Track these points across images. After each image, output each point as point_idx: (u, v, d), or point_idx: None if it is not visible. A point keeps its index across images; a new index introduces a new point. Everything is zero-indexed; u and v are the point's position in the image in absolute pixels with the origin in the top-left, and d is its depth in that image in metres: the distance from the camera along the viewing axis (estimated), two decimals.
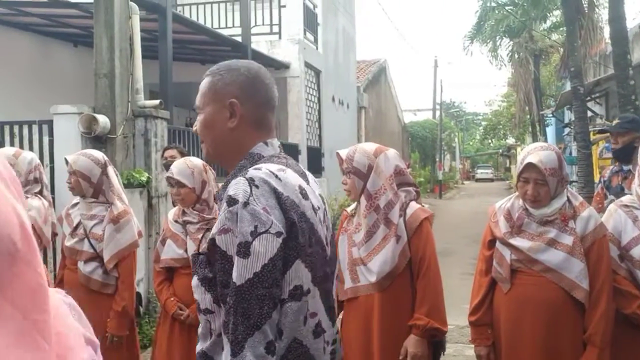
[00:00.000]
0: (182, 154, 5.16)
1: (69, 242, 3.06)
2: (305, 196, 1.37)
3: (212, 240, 1.32)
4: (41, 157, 5.40)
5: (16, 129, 5.50)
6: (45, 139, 5.38)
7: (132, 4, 5.70)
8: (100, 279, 2.99)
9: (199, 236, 2.97)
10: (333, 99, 13.40)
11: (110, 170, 3.13)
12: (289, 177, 1.36)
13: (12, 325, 0.60)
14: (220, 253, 1.30)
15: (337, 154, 2.50)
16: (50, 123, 5.34)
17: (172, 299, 2.98)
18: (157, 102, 5.86)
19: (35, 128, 5.44)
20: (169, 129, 6.12)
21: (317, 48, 12.28)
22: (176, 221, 3.06)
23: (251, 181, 1.30)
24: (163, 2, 6.50)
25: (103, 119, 5.22)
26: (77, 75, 8.39)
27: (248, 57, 8.99)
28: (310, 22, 11.77)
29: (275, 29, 10.76)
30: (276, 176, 1.33)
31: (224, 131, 1.43)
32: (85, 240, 3.02)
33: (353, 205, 2.52)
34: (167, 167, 4.24)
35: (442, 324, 2.31)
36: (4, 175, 0.62)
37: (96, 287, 2.97)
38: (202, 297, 1.38)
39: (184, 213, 3.04)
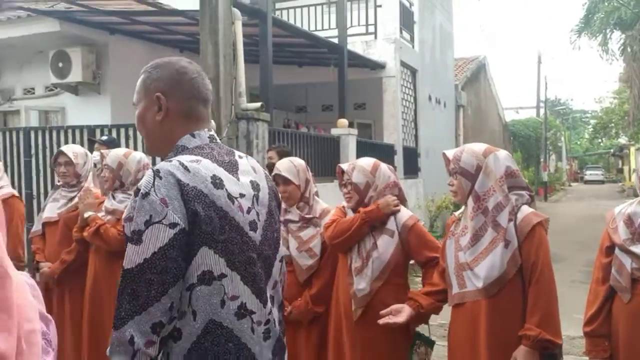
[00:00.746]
0: (281, 155, 5.29)
1: None
2: (218, 186, 1.43)
3: (123, 226, 1.42)
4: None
5: (130, 130, 5.90)
6: None
7: (235, 10, 5.91)
8: None
9: (300, 234, 3.02)
10: (430, 98, 13.15)
11: None
12: (201, 168, 1.42)
13: None
14: (127, 238, 1.40)
15: (444, 154, 2.45)
16: None
17: None
18: (258, 104, 6.04)
19: None
20: (269, 131, 6.29)
21: (413, 47, 12.10)
22: None
23: (157, 173, 1.39)
24: (264, 7, 6.68)
25: (211, 122, 5.46)
26: None
27: (344, 58, 9.04)
28: (407, 20, 11.62)
29: (371, 29, 10.72)
30: (185, 167, 1.40)
31: (154, 124, 1.53)
32: None
33: (461, 209, 2.45)
34: (268, 167, 4.36)
35: (555, 335, 2.17)
36: None
37: None
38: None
39: (285, 212, 3.11)
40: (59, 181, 3.70)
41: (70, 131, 6.23)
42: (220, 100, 5.67)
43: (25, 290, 0.95)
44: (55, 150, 6.23)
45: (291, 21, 10.13)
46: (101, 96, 8.41)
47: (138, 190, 1.41)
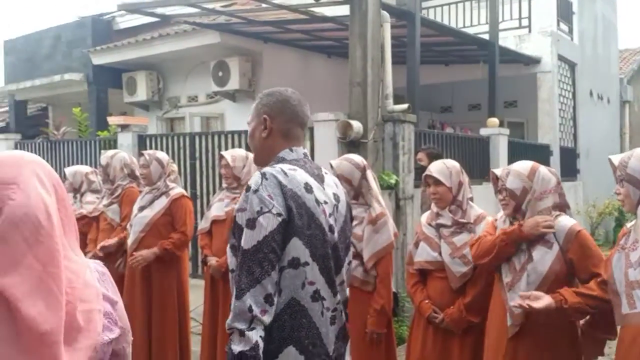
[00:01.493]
0: (430, 156, 5.18)
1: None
2: (308, 191, 1.74)
3: (234, 216, 1.75)
4: None
5: None
6: (307, 144, 5.92)
7: (384, 12, 5.92)
8: (361, 277, 3.14)
9: (454, 239, 2.92)
10: (591, 94, 12.08)
11: (369, 173, 3.27)
12: (297, 175, 1.75)
13: (33, 273, 0.99)
14: (238, 226, 1.72)
15: (610, 160, 2.21)
16: (311, 129, 5.86)
17: (426, 301, 2.98)
18: (405, 106, 5.99)
19: None
20: (415, 132, 6.21)
21: (572, 39, 11.21)
22: (429, 224, 3.06)
23: (263, 175, 1.72)
24: (412, 8, 6.61)
25: (357, 125, 5.52)
26: (331, 84, 9.07)
27: (495, 54, 8.64)
28: (564, 11, 10.79)
29: (525, 22, 10.13)
30: (285, 173, 1.73)
31: (260, 140, 1.89)
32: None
33: (633, 221, 2.19)
34: (418, 170, 4.30)
35: None
36: (43, 178, 1.09)
37: (357, 283, 3.12)
38: (230, 259, 1.80)
39: (437, 216, 3.03)
40: (224, 183, 3.96)
41: (230, 136, 6.67)
42: (367, 103, 5.71)
43: (85, 275, 1.16)
44: (216, 154, 6.74)
45: (438, 19, 9.91)
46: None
47: (249, 187, 1.72)
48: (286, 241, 1.69)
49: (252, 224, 1.66)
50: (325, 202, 1.79)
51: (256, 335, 1.60)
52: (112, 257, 4.05)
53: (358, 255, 3.14)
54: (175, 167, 4.19)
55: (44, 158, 6.61)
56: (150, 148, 7.29)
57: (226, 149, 6.58)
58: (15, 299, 0.99)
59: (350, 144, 5.60)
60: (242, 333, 1.60)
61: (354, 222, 3.17)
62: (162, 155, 4.06)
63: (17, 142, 9.59)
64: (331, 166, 3.29)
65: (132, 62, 9.65)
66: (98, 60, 9.89)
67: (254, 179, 1.72)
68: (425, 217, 3.14)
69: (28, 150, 8.98)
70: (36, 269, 1.04)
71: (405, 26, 6.80)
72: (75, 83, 10.26)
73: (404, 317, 5.05)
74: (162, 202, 3.91)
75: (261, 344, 1.61)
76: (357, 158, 3.32)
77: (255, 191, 1.69)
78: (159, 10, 7.78)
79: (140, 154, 4.05)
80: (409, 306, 5.08)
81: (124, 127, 7.46)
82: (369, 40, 5.66)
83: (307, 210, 1.72)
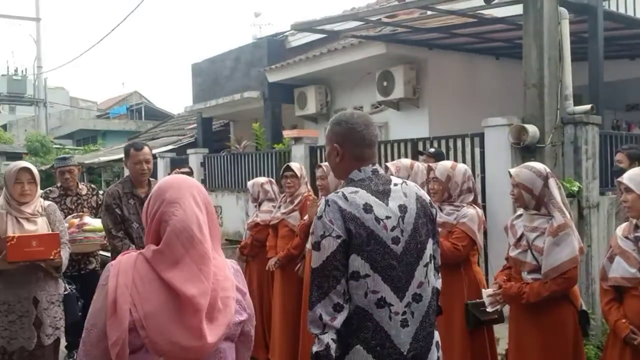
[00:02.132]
0: (632, 158, 4.72)
1: (512, 252, 3.14)
2: (367, 211, 1.94)
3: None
4: (473, 168, 5.79)
5: (451, 142, 6.05)
6: (477, 151, 5.73)
7: (562, 9, 5.54)
8: None
9: None
10: None
11: (552, 182, 3.08)
12: (357, 198, 1.95)
13: (191, 269, 1.48)
14: (312, 246, 1.99)
15: None
16: (481, 135, 5.67)
17: (623, 320, 2.74)
18: (588, 107, 5.53)
19: (467, 141, 5.87)
20: (600, 135, 5.69)
21: None
22: (626, 237, 2.80)
23: (327, 202, 1.97)
24: (593, 1, 6.10)
25: (532, 129, 5.22)
26: (500, 87, 8.70)
27: None
28: None
29: None
30: (345, 197, 1.95)
31: (334, 164, 2.14)
32: (529, 251, 3.04)
33: None
34: (616, 173, 3.95)
35: None
36: (197, 198, 1.56)
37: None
38: None
39: (636, 228, 2.76)
40: None
41: (395, 144, 6.72)
42: (544, 105, 5.36)
43: (225, 271, 1.62)
44: (381, 163, 6.84)
45: (621, 10, 8.99)
46: (419, 110, 8.88)
47: (316, 214, 1.98)
48: (347, 256, 1.92)
49: (317, 246, 1.93)
50: (388, 217, 1.97)
51: (327, 338, 1.88)
52: (293, 262, 4.34)
53: (540, 269, 2.98)
54: None
55: (227, 170, 7.34)
56: (321, 159, 7.63)
57: (391, 157, 6.65)
58: (178, 284, 1.51)
59: (524, 149, 5.31)
60: (317, 337, 1.90)
61: (535, 234, 3.02)
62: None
63: (205, 155, 10.66)
64: (510, 174, 3.16)
65: (303, 78, 10.20)
66: (273, 77, 10.63)
67: (320, 207, 1.99)
68: (621, 229, 2.88)
69: (214, 163, 9.91)
70: (191, 267, 1.53)
71: (585, 21, 6.28)
72: (253, 100, 11.14)
73: (592, 336, 4.65)
74: None
75: (333, 345, 1.88)
76: (538, 166, 3.15)
77: (320, 217, 1.95)
78: (328, 27, 8.13)
79: (318, 166, 4.27)
80: (594, 324, 4.66)
81: (297, 140, 7.91)
82: (545, 39, 5.33)
83: (367, 229, 1.93)
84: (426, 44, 8.52)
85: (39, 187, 3.63)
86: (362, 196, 1.97)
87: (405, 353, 1.94)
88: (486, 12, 6.85)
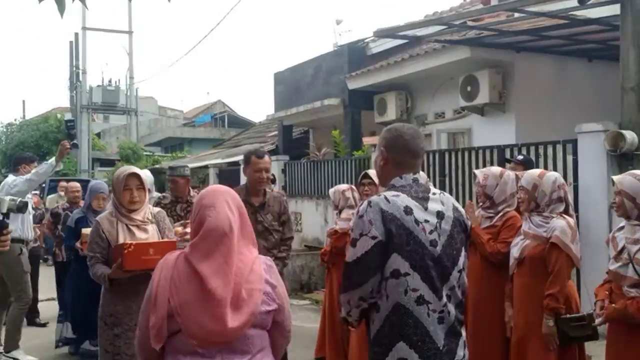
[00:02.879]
0: None
1: (612, 266, 2.94)
2: (408, 213, 2.07)
3: None
4: (565, 176, 5.50)
5: (541, 149, 5.79)
6: (569, 158, 5.45)
7: None
8: None
9: None
10: None
11: None
12: (397, 201, 2.09)
13: (218, 262, 1.81)
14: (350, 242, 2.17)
15: None
16: (574, 142, 5.38)
17: None
18: None
19: (559, 147, 5.59)
20: None
21: None
22: None
23: (369, 202, 2.10)
24: None
25: (630, 135, 4.91)
26: (592, 91, 8.23)
27: None
28: None
29: None
30: (387, 199, 2.08)
31: (379, 167, 2.28)
32: (630, 265, 2.84)
33: None
34: None
35: None
36: (230, 203, 1.92)
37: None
38: None
39: None
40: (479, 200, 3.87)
41: (480, 151, 6.52)
42: None
43: (252, 265, 1.88)
44: (466, 170, 6.66)
45: None
46: (505, 115, 8.56)
47: (358, 212, 2.13)
48: (387, 256, 2.06)
49: (354, 243, 2.11)
50: (426, 221, 2.10)
51: (350, 317, 2.17)
52: None
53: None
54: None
55: (307, 177, 7.46)
56: None
57: (476, 165, 6.46)
58: (206, 276, 1.80)
59: (621, 156, 5.01)
60: (344, 318, 2.22)
61: (637, 247, 2.82)
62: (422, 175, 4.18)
63: (285, 162, 10.84)
64: (613, 182, 2.97)
65: (383, 84, 10.13)
66: (353, 84, 10.64)
67: (362, 206, 2.13)
68: None
69: (295, 170, 10.06)
70: (219, 260, 1.83)
71: None
72: (333, 107, 11.20)
73: None
74: None
75: (352, 319, 2.17)
76: None
77: (360, 217, 2.10)
78: (411, 33, 8.03)
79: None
80: None
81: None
82: None
83: (406, 230, 2.06)
84: (513, 47, 8.21)
85: (147, 193, 3.46)
86: (403, 199, 2.11)
87: (441, 348, 2.08)
88: (579, 12, 6.51)
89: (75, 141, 4.98)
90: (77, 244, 4.94)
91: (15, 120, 33.29)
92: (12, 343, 5.14)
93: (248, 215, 3.60)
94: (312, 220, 9.55)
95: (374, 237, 2.05)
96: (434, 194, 2.20)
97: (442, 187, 6.93)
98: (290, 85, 12.85)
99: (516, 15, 6.61)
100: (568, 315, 3.18)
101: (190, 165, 14.89)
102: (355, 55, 11.18)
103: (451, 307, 2.11)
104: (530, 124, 8.04)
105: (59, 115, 29.60)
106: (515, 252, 3.39)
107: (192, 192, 4.85)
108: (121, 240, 3.17)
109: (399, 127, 2.29)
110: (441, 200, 2.18)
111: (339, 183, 9.02)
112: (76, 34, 23.33)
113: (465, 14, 7.08)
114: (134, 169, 3.42)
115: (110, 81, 25.60)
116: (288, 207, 4.20)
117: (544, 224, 3.29)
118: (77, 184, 6.78)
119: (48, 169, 5.12)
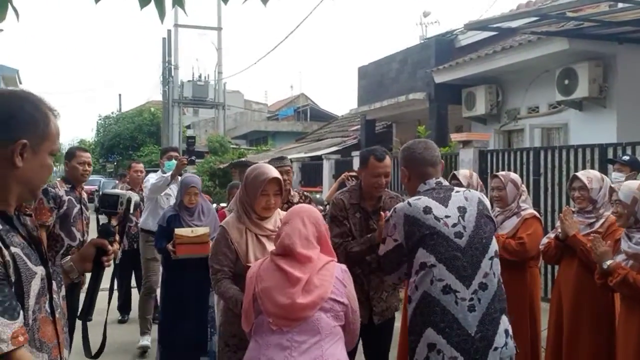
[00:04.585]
0: None
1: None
2: (427, 212, 2.34)
3: None
4: None
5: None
6: None
7: None
8: None
9: None
10: None
11: None
12: (419, 203, 2.37)
13: (293, 263, 2.22)
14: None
15: None
16: None
17: None
18: None
19: None
20: None
21: None
22: None
23: (394, 209, 2.44)
24: None
25: None
26: None
27: None
28: None
29: None
30: (409, 204, 2.38)
31: (406, 183, 2.60)
32: None
33: None
34: None
35: None
36: (305, 219, 2.31)
37: None
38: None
39: None
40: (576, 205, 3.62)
41: (580, 150, 6.13)
42: None
43: (322, 263, 2.21)
44: (563, 169, 6.29)
45: None
46: (606, 110, 8.03)
47: (387, 217, 2.51)
48: (415, 251, 2.31)
49: (383, 241, 2.50)
50: (447, 216, 2.32)
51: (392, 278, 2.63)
52: None
53: None
54: (524, 187, 4.04)
55: (391, 172, 6.99)
56: (492, 164, 7.24)
57: (574, 165, 6.08)
58: (284, 267, 2.18)
59: None
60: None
61: None
62: (516, 176, 3.97)
63: None
64: None
65: (472, 78, 9.80)
66: (440, 78, 10.37)
67: (390, 211, 2.48)
68: None
69: None
70: (294, 261, 2.19)
71: None
72: (418, 102, 10.97)
73: None
74: (512, 223, 3.81)
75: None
76: None
77: (387, 220, 2.47)
78: (505, 24, 7.69)
79: (494, 176, 4.01)
80: None
81: (466, 143, 7.59)
82: None
83: (428, 227, 2.30)
84: (615, 38, 7.66)
85: (282, 200, 3.00)
86: (423, 201, 2.37)
87: (472, 334, 2.20)
88: None
89: (193, 157, 5.14)
90: (169, 246, 4.19)
91: (112, 113, 35.48)
92: (141, 328, 5.24)
93: (360, 220, 3.35)
94: None
95: (395, 240, 2.38)
96: (457, 192, 2.45)
97: (536, 187, 6.59)
98: (374, 79, 12.72)
99: (620, 5, 6.13)
100: None
101: None
102: (442, 48, 10.87)
103: (484, 295, 2.27)
104: (634, 121, 7.48)
105: (152, 109, 31.18)
106: None
107: (292, 192, 4.05)
108: (251, 255, 2.70)
109: (410, 145, 2.61)
110: (465, 197, 2.42)
111: None
112: (169, 31, 24.32)
113: (565, 5, 6.66)
114: (275, 173, 2.86)
115: (200, 76, 26.56)
116: None
117: None
118: (141, 165, 6.39)
119: (164, 184, 5.17)
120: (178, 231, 4.12)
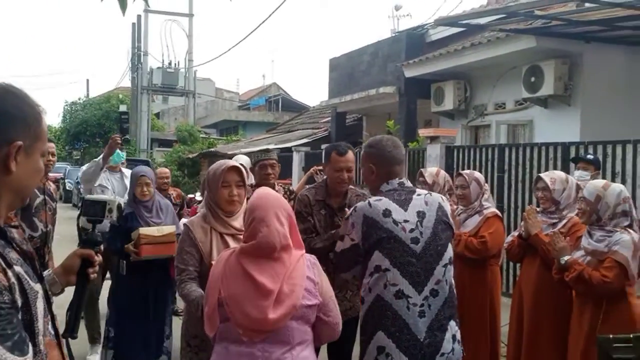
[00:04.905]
0: None
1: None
2: (386, 215, 2.32)
3: None
4: (634, 179, 5.16)
5: (609, 148, 5.44)
6: None
7: None
8: None
9: None
10: None
11: None
12: (379, 205, 2.34)
13: (266, 268, 2.04)
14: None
15: None
16: None
17: None
18: None
19: (629, 147, 5.24)
20: None
21: None
22: None
23: (354, 208, 2.42)
24: None
25: None
26: None
27: None
28: None
29: None
30: (370, 205, 2.35)
31: (369, 180, 2.55)
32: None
33: None
34: None
35: None
36: (280, 215, 2.08)
37: None
38: None
39: None
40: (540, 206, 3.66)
41: (543, 148, 6.21)
42: None
43: (296, 264, 2.06)
44: (526, 167, 6.37)
45: None
46: (570, 108, 8.15)
47: (347, 215, 2.47)
48: (370, 254, 2.30)
49: (341, 238, 2.46)
50: (405, 221, 2.32)
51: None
52: None
53: None
54: (487, 186, 4.07)
55: (359, 167, 6.91)
56: (457, 159, 7.30)
57: (538, 162, 6.16)
58: (255, 276, 2.01)
59: None
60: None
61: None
62: (479, 175, 3.99)
63: None
64: None
65: (441, 73, 9.84)
66: (410, 72, 10.39)
67: (350, 210, 2.46)
68: None
69: None
70: (267, 266, 2.02)
71: None
72: (388, 95, 10.98)
73: None
74: (475, 221, 3.83)
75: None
76: None
77: (346, 219, 2.43)
78: (474, 21, 7.73)
79: (458, 174, 4.03)
80: None
81: (433, 139, 7.63)
82: None
83: (385, 230, 2.29)
84: (582, 37, 7.77)
85: (246, 191, 2.81)
86: (384, 203, 2.35)
87: (422, 340, 2.23)
88: None
89: (127, 136, 4.57)
90: (130, 247, 3.81)
91: (79, 99, 34.66)
92: (90, 334, 4.74)
93: (325, 217, 3.35)
94: None
95: (352, 239, 2.36)
96: (418, 195, 2.43)
97: (500, 184, 6.67)
98: (345, 71, 12.68)
99: (587, 4, 6.21)
100: (612, 335, 2.89)
101: (244, 150, 15.07)
102: (413, 43, 10.89)
103: (434, 302, 2.29)
104: (597, 120, 7.61)
105: (120, 96, 30.56)
106: None
107: (276, 186, 3.86)
108: (215, 255, 2.57)
109: (378, 141, 2.54)
110: (425, 201, 2.40)
111: None
112: (138, 16, 23.86)
113: (533, 2, 6.72)
114: (233, 162, 2.80)
115: (170, 63, 26.14)
116: None
117: (605, 238, 3.06)
118: (167, 170, 6.11)
119: (96, 169, 4.73)
120: (143, 230, 3.78)
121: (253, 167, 3.94)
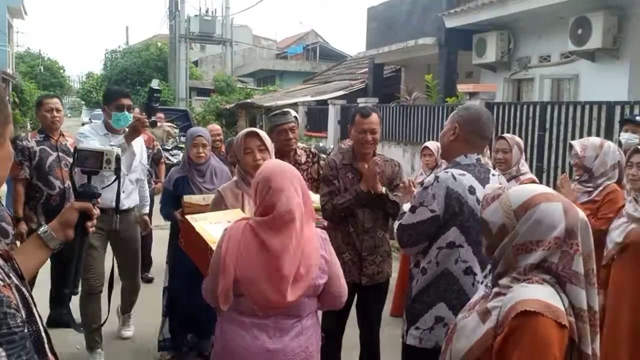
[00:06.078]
0: None
1: None
2: (472, 192, 2.26)
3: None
4: None
5: None
6: None
7: None
8: None
9: None
10: None
11: None
12: (464, 180, 2.27)
13: (286, 242, 1.97)
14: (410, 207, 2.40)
15: None
16: None
17: None
18: None
19: None
20: None
21: None
22: None
23: (436, 178, 2.29)
24: None
25: None
26: None
27: None
28: None
29: None
30: (454, 177, 2.27)
31: (448, 141, 2.41)
32: None
33: None
34: None
35: None
36: (297, 186, 2.01)
37: None
38: None
39: None
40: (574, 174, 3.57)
41: (586, 107, 5.98)
42: None
43: (312, 241, 2.02)
44: (569, 125, 6.16)
45: None
46: (619, 63, 7.78)
47: (423, 184, 2.33)
48: (446, 228, 2.26)
49: (413, 210, 2.32)
50: None
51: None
52: None
53: None
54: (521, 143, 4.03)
55: (396, 121, 7.13)
56: (498, 117, 7.11)
57: (580, 121, 5.95)
58: (277, 252, 1.94)
59: None
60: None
61: None
62: (520, 140, 3.94)
63: (374, 104, 10.60)
64: None
65: (484, 23, 9.50)
66: (451, 23, 10.04)
67: (429, 179, 2.32)
68: None
69: (383, 113, 9.77)
70: (287, 239, 1.96)
71: None
72: (428, 47, 10.69)
73: None
74: (511, 186, 3.79)
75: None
76: None
77: (425, 188, 2.30)
78: None
79: (501, 137, 3.91)
80: None
81: (472, 95, 7.44)
82: None
83: (468, 208, 2.24)
84: None
85: (272, 155, 2.82)
86: (468, 179, 2.28)
87: None
88: None
89: (154, 118, 3.51)
90: (177, 214, 3.61)
91: (119, 47, 34.94)
92: (87, 341, 3.87)
93: (353, 181, 3.24)
94: None
95: (432, 210, 2.26)
96: (493, 175, 2.38)
97: (540, 143, 6.49)
98: (384, 21, 12.35)
99: None
100: None
101: (280, 103, 15.08)
102: None
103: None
104: None
105: (159, 44, 30.64)
106: (616, 236, 3.11)
107: (298, 151, 3.62)
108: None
109: (477, 108, 2.46)
110: (500, 182, 2.33)
111: (429, 131, 8.75)
112: None
113: None
114: (252, 128, 2.88)
115: (207, 11, 25.93)
116: (402, 172, 3.41)
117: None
118: (218, 127, 5.48)
119: (123, 152, 3.57)
120: (187, 198, 3.48)
121: (270, 132, 3.47)
